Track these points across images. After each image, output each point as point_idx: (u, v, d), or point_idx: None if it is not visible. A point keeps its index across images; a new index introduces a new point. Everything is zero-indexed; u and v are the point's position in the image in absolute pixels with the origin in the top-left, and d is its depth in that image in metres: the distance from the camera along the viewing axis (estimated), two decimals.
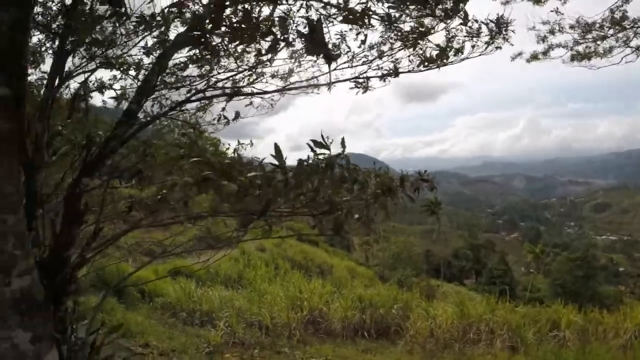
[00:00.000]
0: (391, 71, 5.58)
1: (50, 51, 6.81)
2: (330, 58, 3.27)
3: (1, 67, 2.06)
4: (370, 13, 4.67)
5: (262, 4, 4.00)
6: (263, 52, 4.60)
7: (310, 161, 3.08)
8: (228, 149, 9.16)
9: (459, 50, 5.05)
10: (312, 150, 3.11)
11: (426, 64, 5.14)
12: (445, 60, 5.17)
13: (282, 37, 3.60)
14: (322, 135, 3.10)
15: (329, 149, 3.05)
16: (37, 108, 3.77)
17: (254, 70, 5.48)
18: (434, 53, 5.08)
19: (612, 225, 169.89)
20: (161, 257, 4.46)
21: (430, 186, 3.81)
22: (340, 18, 4.45)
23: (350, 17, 4.53)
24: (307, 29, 3.08)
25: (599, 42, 14.05)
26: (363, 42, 5.07)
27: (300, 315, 9.94)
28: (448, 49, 5.01)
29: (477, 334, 9.76)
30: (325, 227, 3.55)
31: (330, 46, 4.65)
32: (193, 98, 5.22)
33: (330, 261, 27.72)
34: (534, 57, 14.24)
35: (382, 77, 5.63)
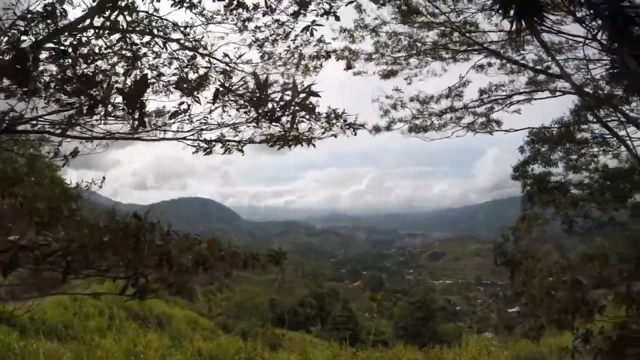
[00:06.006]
0: (240, 142, 6.16)
1: None
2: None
3: None
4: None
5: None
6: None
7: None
8: (69, 184, 8.79)
9: (298, 141, 5.83)
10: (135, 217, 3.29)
11: (271, 142, 5.81)
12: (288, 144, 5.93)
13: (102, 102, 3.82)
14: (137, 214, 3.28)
15: (141, 220, 3.26)
16: None
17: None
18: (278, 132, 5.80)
19: (447, 271, 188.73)
20: None
21: (276, 261, 4.19)
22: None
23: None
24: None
25: (434, 118, 16.58)
26: (184, 111, 5.77)
27: None
28: (288, 134, 5.76)
29: None
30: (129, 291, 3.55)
31: None
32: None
33: (169, 311, 26.57)
34: (377, 129, 16.43)
35: (227, 149, 6.14)
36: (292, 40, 8.95)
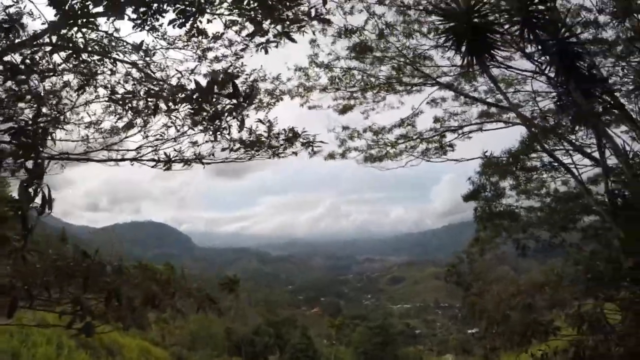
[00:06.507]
0: (196, 156, 6.34)
1: None
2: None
3: None
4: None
5: None
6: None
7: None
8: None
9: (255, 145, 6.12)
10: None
11: (236, 149, 6.06)
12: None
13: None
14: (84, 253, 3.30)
15: (90, 257, 3.29)
16: None
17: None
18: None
19: (405, 295, 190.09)
20: None
21: (230, 289, 4.30)
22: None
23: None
24: None
25: (388, 148, 17.20)
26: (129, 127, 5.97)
27: None
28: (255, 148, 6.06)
29: None
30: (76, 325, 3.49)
31: None
32: None
33: (121, 340, 25.70)
34: (331, 156, 16.91)
35: (186, 162, 6.31)
36: (247, 74, 9.27)
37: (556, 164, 14.00)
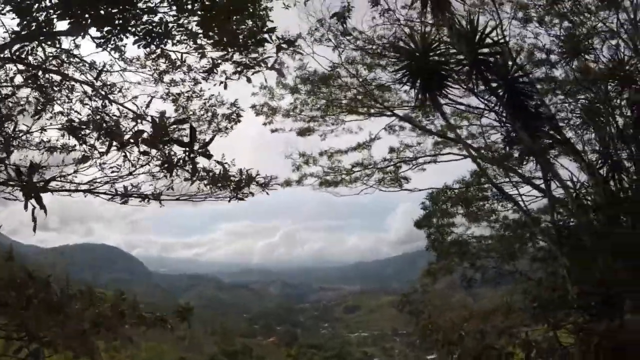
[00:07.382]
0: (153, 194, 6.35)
1: None
2: None
3: None
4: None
5: None
6: None
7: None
8: None
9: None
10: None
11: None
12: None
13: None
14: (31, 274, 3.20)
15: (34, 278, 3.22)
16: None
17: None
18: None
19: (362, 323, 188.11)
20: None
21: (183, 317, 4.28)
22: None
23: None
24: None
25: (344, 175, 17.43)
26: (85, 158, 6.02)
27: None
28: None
29: None
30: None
31: None
32: None
33: None
34: (287, 183, 16.96)
35: (144, 198, 6.29)
36: (206, 99, 9.34)
37: (503, 196, 14.44)
